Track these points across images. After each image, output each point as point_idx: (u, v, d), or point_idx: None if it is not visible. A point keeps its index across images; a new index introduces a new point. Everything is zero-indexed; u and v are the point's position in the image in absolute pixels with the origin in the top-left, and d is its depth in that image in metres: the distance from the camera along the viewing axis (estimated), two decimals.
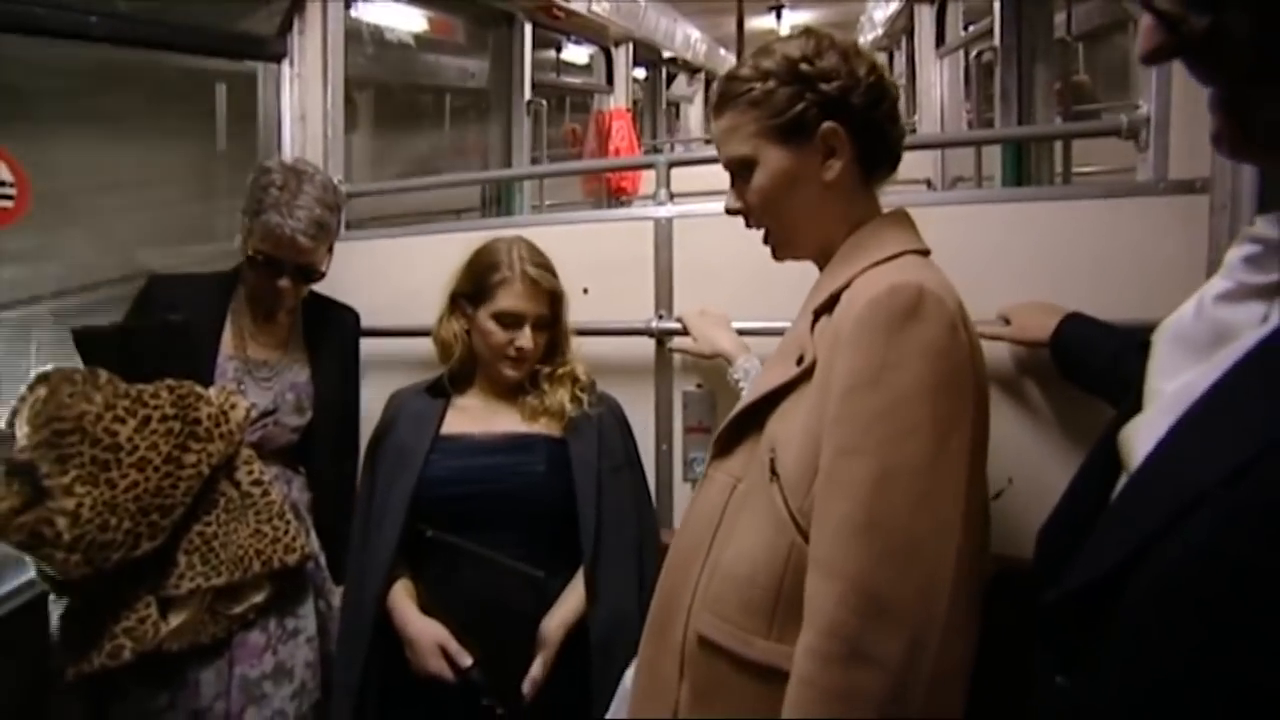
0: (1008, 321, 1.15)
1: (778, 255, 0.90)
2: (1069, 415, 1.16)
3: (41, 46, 1.35)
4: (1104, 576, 0.50)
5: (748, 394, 0.86)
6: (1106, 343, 1.03)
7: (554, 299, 1.25)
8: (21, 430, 1.05)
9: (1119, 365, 0.96)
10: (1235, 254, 0.53)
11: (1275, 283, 0.49)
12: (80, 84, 1.50)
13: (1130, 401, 0.59)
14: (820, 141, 0.81)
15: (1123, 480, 0.55)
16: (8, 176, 1.25)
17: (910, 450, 0.68)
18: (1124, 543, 0.49)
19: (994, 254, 1.21)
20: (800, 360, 0.78)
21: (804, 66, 0.81)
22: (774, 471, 0.76)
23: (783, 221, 0.86)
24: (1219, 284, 0.54)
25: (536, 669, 1.13)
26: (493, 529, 1.17)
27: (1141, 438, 0.53)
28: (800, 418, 0.76)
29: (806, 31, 0.85)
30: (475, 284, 1.23)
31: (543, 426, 1.24)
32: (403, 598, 1.18)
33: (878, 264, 0.78)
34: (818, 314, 0.80)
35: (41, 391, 1.06)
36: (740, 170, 0.86)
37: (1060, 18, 2.29)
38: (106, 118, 1.55)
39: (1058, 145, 2.20)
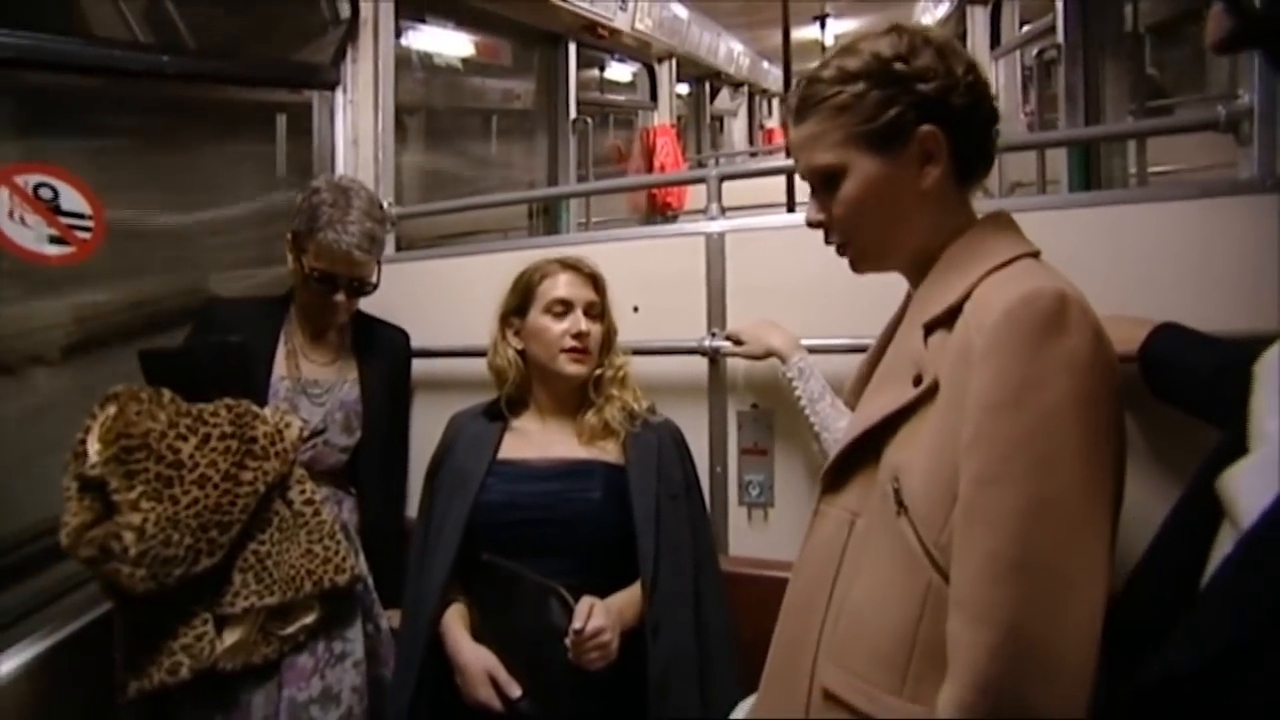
0: None
1: (859, 268, 0.84)
2: (1161, 439, 1.06)
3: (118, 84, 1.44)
4: (1215, 661, 0.44)
5: (855, 422, 0.79)
6: (1206, 356, 0.92)
7: (597, 283, 1.27)
8: (93, 447, 1.08)
9: (1221, 382, 0.85)
10: None
11: None
12: (155, 120, 1.58)
13: (1231, 438, 0.52)
14: (918, 147, 0.74)
15: (1227, 533, 0.48)
16: (86, 209, 1.30)
17: (1060, 478, 0.61)
18: (1238, 625, 0.43)
19: (1073, 263, 1.12)
20: (918, 380, 0.71)
21: (898, 66, 0.74)
22: (900, 503, 0.69)
23: (874, 233, 0.79)
24: None
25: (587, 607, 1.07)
26: (548, 555, 1.14)
27: (1249, 488, 0.47)
28: (926, 443, 0.68)
29: (896, 28, 0.76)
30: (520, 295, 1.27)
31: (600, 451, 1.22)
32: (455, 623, 1.17)
33: (995, 270, 0.71)
34: (929, 328, 0.73)
35: (111, 410, 1.09)
36: (824, 181, 0.79)
37: (1128, 9, 2.17)
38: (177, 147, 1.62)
39: (1130, 145, 2.09)
